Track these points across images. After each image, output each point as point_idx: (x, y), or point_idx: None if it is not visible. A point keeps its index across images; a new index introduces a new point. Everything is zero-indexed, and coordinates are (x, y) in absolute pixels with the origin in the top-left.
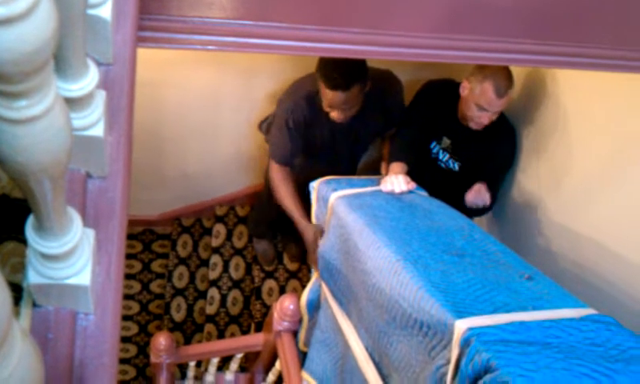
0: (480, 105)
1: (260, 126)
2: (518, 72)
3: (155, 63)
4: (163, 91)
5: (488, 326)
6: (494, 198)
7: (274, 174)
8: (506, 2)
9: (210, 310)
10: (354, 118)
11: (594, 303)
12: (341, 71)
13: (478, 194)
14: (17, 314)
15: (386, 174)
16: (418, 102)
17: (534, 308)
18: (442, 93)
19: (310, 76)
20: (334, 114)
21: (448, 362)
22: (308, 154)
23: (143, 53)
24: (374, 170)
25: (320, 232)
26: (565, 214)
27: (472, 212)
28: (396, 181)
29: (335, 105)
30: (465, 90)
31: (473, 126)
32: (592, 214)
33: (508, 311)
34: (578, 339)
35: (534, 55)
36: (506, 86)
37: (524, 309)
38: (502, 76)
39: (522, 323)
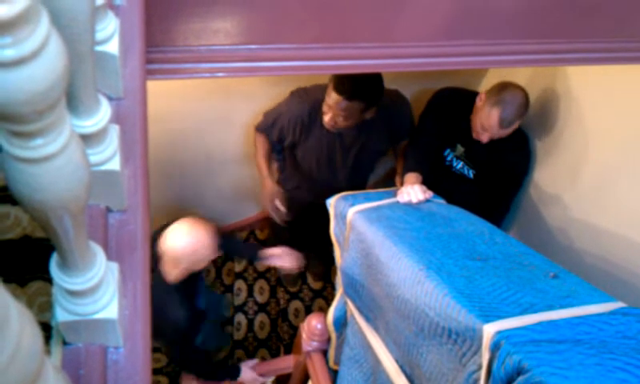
0: (482, 124)
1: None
2: (528, 71)
3: (162, 96)
4: (173, 125)
5: (517, 328)
6: (508, 206)
7: (255, 138)
8: (505, 4)
9: (238, 335)
10: (355, 135)
11: (622, 296)
12: (353, 81)
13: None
14: (48, 352)
15: (402, 185)
16: (431, 110)
17: (562, 306)
18: (454, 100)
19: (323, 87)
20: (326, 118)
21: (480, 368)
22: (305, 167)
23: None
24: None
25: (279, 194)
26: (585, 209)
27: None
28: (412, 191)
29: (332, 108)
30: (479, 101)
31: (474, 136)
32: (612, 206)
33: (535, 311)
34: (609, 333)
35: (537, 55)
36: (512, 119)
37: (551, 308)
38: (514, 108)
39: (550, 322)
